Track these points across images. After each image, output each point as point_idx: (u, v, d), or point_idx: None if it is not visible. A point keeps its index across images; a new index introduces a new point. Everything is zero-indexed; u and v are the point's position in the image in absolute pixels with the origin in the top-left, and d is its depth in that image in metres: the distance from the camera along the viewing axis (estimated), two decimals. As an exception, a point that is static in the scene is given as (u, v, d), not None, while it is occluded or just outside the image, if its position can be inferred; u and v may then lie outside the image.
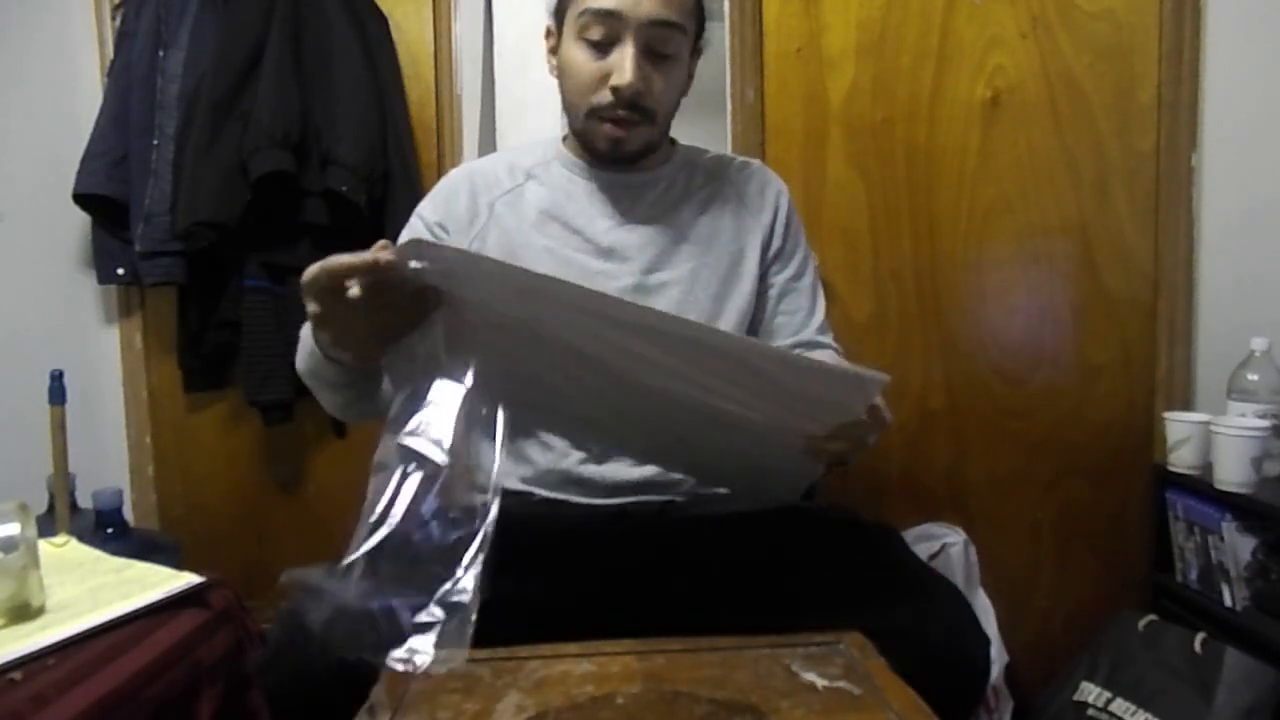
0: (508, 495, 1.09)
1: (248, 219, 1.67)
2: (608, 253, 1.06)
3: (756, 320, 1.11)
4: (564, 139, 1.14)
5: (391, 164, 1.77)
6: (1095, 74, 1.76)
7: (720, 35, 1.81)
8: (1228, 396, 1.60)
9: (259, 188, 1.64)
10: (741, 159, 1.18)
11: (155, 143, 1.72)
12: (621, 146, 1.04)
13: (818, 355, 1.03)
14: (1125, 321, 1.80)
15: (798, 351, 1.00)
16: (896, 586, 0.88)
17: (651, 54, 1.00)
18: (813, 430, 0.81)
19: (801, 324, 1.11)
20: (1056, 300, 1.80)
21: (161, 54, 1.74)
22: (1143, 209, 1.78)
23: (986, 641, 0.88)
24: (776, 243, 1.12)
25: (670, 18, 0.98)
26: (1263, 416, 1.54)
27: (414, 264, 0.69)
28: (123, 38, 1.78)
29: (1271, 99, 1.74)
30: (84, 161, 1.74)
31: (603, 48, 0.99)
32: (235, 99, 1.67)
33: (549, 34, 1.08)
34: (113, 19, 1.84)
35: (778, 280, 1.12)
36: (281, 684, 0.83)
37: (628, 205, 1.09)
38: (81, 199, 1.74)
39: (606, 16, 0.97)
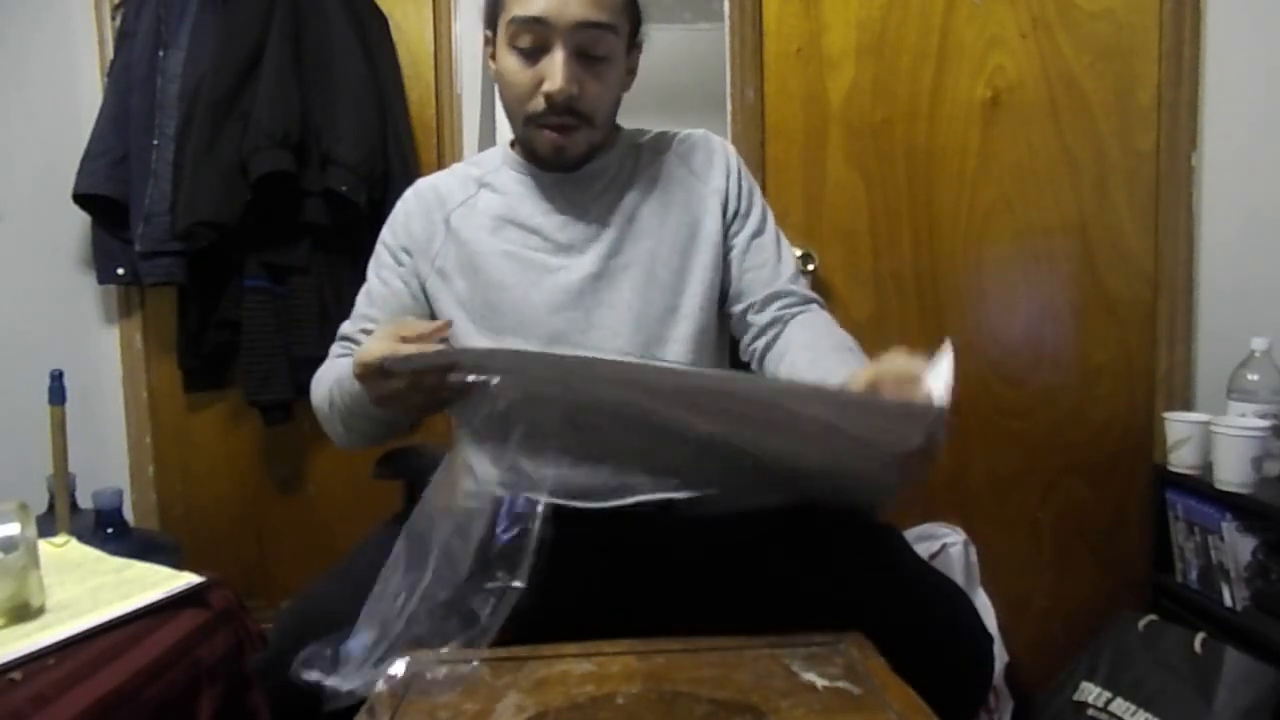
0: None
1: (248, 219, 1.67)
2: (566, 248, 1.07)
3: (726, 284, 1.10)
4: (512, 144, 1.14)
5: (391, 164, 1.77)
6: (1095, 74, 1.76)
7: (720, 35, 1.81)
8: (1228, 396, 1.60)
9: (259, 188, 1.64)
10: (684, 132, 1.16)
11: (155, 143, 1.72)
12: (564, 154, 1.04)
13: (808, 327, 1.04)
14: (1125, 321, 1.80)
15: (834, 385, 0.97)
16: (900, 586, 0.88)
17: (584, 57, 0.99)
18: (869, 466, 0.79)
19: (771, 276, 1.09)
20: (1056, 300, 1.80)
21: (161, 54, 1.74)
22: (1143, 209, 1.78)
23: (990, 641, 0.88)
24: (733, 204, 1.11)
25: (598, 19, 0.98)
26: (1263, 416, 1.54)
27: (468, 378, 0.75)
28: (123, 38, 1.78)
29: (1271, 99, 1.74)
30: (84, 161, 1.73)
31: (533, 55, 0.99)
32: (235, 99, 1.67)
33: (486, 41, 1.08)
34: (113, 19, 1.84)
35: (739, 239, 1.10)
36: (283, 686, 0.83)
37: (577, 198, 1.09)
38: (81, 199, 1.74)
39: (534, 23, 0.97)
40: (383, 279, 1.12)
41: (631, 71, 1.09)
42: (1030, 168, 1.78)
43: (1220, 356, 1.70)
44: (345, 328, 1.12)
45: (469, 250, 1.07)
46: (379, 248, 1.13)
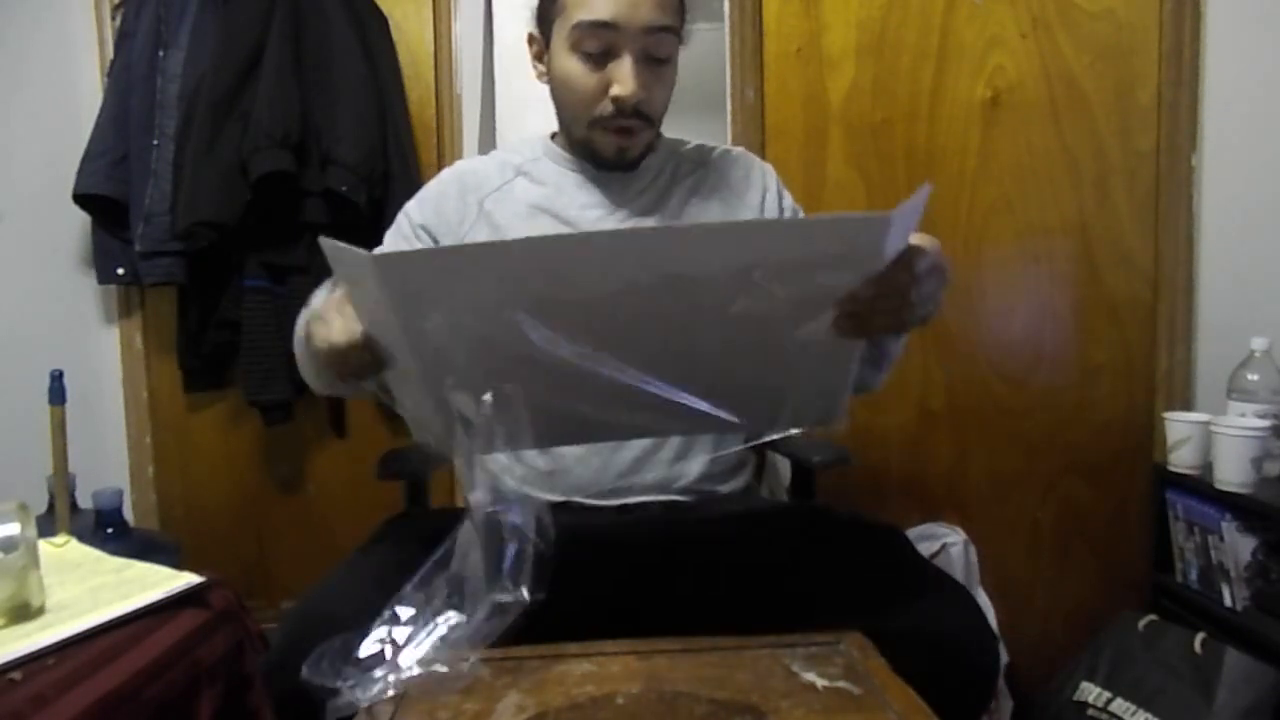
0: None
1: (248, 219, 1.67)
2: None
3: None
4: (552, 136, 1.14)
5: (391, 164, 1.77)
6: (1095, 74, 1.76)
7: (720, 35, 1.81)
8: (1228, 396, 1.60)
9: (259, 188, 1.64)
10: (723, 147, 1.17)
11: (155, 143, 1.72)
12: (626, 154, 1.05)
13: None
14: (1125, 321, 1.80)
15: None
16: (904, 587, 0.88)
17: (649, 59, 1.00)
18: (841, 300, 0.73)
19: None
20: (1056, 300, 1.80)
21: (161, 54, 1.74)
22: (1143, 209, 1.78)
23: (995, 640, 0.88)
24: (769, 215, 1.11)
25: (665, 22, 0.98)
26: (1263, 416, 1.54)
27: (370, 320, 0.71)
28: (123, 38, 1.78)
29: (1271, 99, 1.74)
30: (84, 161, 1.73)
31: (599, 59, 0.99)
32: (235, 99, 1.67)
33: (532, 41, 1.08)
34: (113, 19, 1.84)
35: None
36: (288, 689, 0.83)
37: (617, 195, 1.09)
38: (81, 199, 1.74)
39: (602, 28, 0.97)
40: (395, 245, 1.11)
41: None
42: (1030, 168, 1.78)
43: (1220, 356, 1.70)
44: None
45: (499, 234, 1.07)
46: (400, 217, 1.13)
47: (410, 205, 1.13)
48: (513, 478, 1.07)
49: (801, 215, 1.15)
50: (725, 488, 1.09)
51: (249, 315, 1.73)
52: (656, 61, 1.00)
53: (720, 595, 0.91)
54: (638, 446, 1.04)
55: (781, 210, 1.13)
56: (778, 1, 1.77)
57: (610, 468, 1.03)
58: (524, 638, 0.81)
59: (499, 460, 1.08)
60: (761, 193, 1.12)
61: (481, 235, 1.07)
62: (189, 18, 1.74)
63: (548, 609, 0.88)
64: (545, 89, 1.09)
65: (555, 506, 1.03)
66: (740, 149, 1.18)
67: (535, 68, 1.09)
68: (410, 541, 0.96)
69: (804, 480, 1.33)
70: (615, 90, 0.98)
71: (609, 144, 1.03)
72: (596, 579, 0.91)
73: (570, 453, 1.04)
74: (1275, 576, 1.51)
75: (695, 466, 1.06)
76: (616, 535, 0.98)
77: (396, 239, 1.12)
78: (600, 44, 0.98)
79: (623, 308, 0.71)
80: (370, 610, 0.83)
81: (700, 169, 1.13)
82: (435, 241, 1.09)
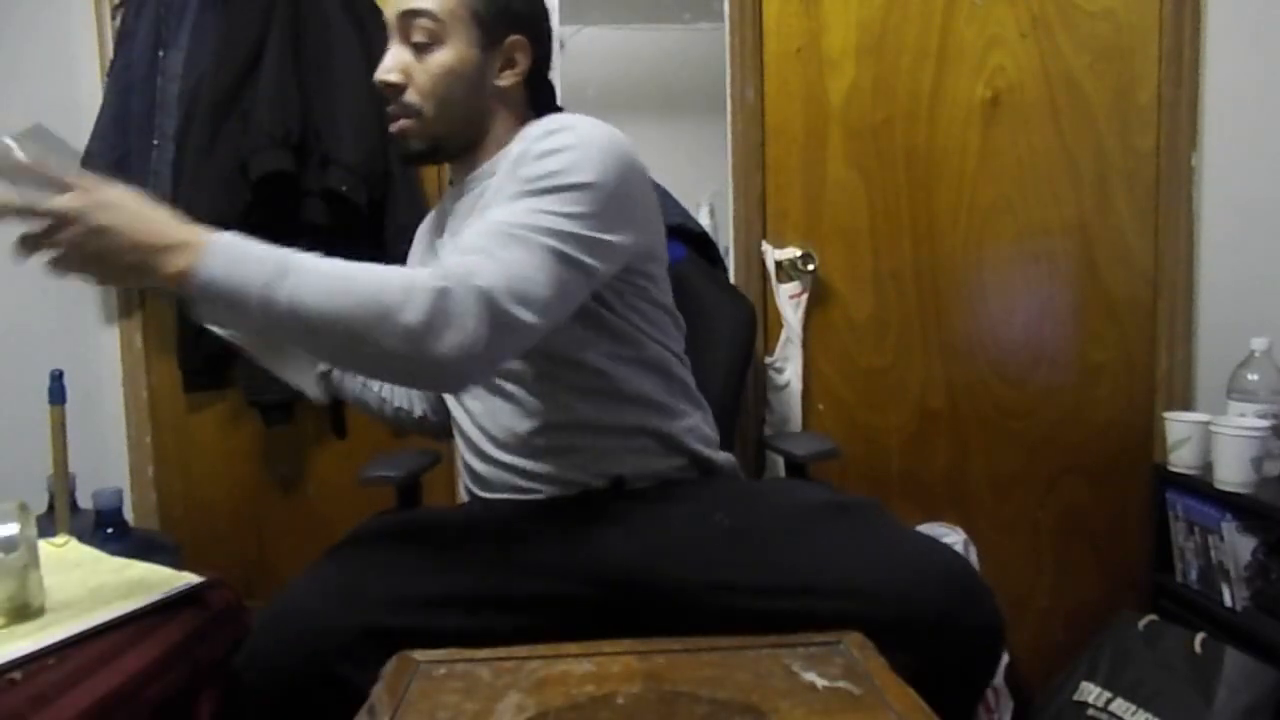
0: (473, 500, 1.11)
1: (248, 219, 1.67)
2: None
3: None
4: None
5: (392, 164, 1.77)
6: (1095, 74, 1.76)
7: (720, 35, 1.81)
8: (1228, 396, 1.60)
9: (259, 188, 1.64)
10: (546, 120, 1.01)
11: (155, 143, 1.72)
12: (404, 145, 1.05)
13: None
14: (1125, 321, 1.80)
15: None
16: (892, 555, 0.86)
17: (411, 45, 1.01)
18: None
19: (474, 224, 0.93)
20: (1056, 300, 1.80)
21: (161, 54, 1.74)
22: (1143, 209, 1.78)
23: (991, 594, 0.86)
24: (499, 181, 0.97)
25: (417, 5, 0.99)
26: (1263, 416, 1.54)
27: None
28: (123, 38, 1.78)
29: (1271, 99, 1.74)
30: (84, 161, 1.73)
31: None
32: (235, 99, 1.67)
33: None
34: (113, 19, 1.84)
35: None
36: (259, 679, 0.84)
37: (460, 206, 1.10)
38: (81, 199, 1.74)
39: (389, 17, 1.02)
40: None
41: (510, 65, 1.03)
42: (1030, 168, 1.78)
43: (1220, 356, 1.70)
44: None
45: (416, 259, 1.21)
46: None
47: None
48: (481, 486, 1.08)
49: (539, 169, 0.90)
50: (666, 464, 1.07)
51: (249, 315, 1.73)
52: (418, 47, 1.00)
53: (717, 576, 0.89)
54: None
55: (515, 169, 0.94)
56: (778, 1, 1.77)
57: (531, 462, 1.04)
58: (524, 637, 0.81)
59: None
60: (514, 158, 0.96)
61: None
62: (189, 17, 1.74)
63: (518, 603, 0.90)
64: None
65: (517, 501, 1.04)
66: (553, 117, 1.00)
67: None
68: (382, 540, 0.97)
69: (799, 477, 1.35)
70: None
71: (392, 136, 1.05)
72: (555, 572, 0.92)
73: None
74: (1275, 576, 1.51)
75: None
76: (574, 517, 0.98)
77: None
78: (391, 34, 1.02)
79: None
80: (337, 608, 0.84)
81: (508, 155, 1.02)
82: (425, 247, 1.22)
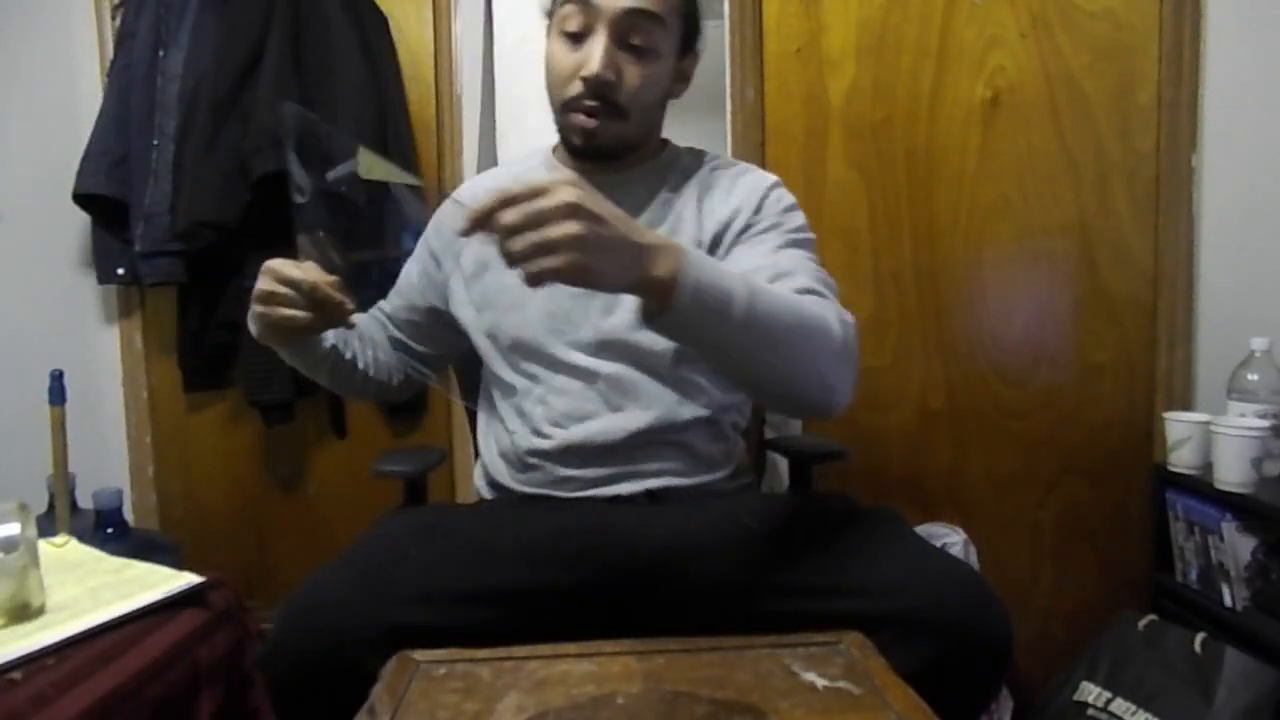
0: (502, 494, 1.10)
1: (248, 219, 1.67)
2: None
3: None
4: (554, 148, 1.15)
5: (391, 164, 1.77)
6: (1095, 74, 1.76)
7: (720, 35, 1.81)
8: (1228, 396, 1.60)
9: (259, 188, 1.64)
10: (726, 159, 1.15)
11: (155, 143, 1.72)
12: (593, 139, 1.02)
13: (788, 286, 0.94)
14: (1125, 321, 1.80)
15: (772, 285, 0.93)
16: (908, 567, 0.86)
17: (626, 46, 0.99)
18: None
19: (768, 252, 1.01)
20: (1056, 300, 1.80)
21: (161, 54, 1.74)
22: (1143, 209, 1.78)
23: (1005, 610, 0.85)
24: (740, 223, 1.04)
25: (645, 7, 0.98)
26: (1263, 416, 1.54)
27: None
28: (123, 38, 1.78)
29: (1271, 99, 1.74)
30: (84, 161, 1.74)
31: (578, 39, 0.99)
32: (235, 99, 1.67)
33: (548, 31, 1.08)
34: (113, 19, 1.84)
35: (741, 242, 1.05)
36: (284, 673, 0.84)
37: None
38: (81, 199, 1.74)
39: (582, 6, 0.98)
40: (407, 270, 1.20)
41: (684, 79, 1.09)
42: (1030, 168, 1.78)
43: (1220, 356, 1.70)
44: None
45: (486, 250, 1.07)
46: (420, 241, 1.20)
47: (428, 228, 1.19)
48: (504, 475, 1.08)
49: (795, 222, 1.05)
50: (714, 477, 1.08)
51: (249, 316, 1.73)
52: (635, 50, 0.99)
53: (712, 582, 0.90)
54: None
55: (760, 215, 1.05)
56: (778, 1, 1.77)
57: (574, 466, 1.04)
58: (524, 637, 0.81)
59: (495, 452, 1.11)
60: (740, 204, 1.06)
61: (468, 250, 1.11)
62: (189, 18, 1.74)
63: (548, 599, 0.89)
64: (544, 90, 1.10)
65: (544, 500, 1.04)
66: (744, 164, 1.14)
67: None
68: (400, 534, 0.97)
69: (802, 477, 1.35)
70: (583, 70, 0.98)
71: (576, 127, 1.02)
72: (588, 568, 0.92)
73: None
74: (1275, 576, 1.51)
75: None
76: (605, 521, 0.98)
77: (412, 258, 1.20)
78: (580, 23, 0.98)
79: None
80: (365, 603, 0.84)
81: (687, 178, 1.10)
82: (436, 259, 1.16)
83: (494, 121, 1.99)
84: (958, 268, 1.80)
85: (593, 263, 0.69)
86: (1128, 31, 1.75)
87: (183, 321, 1.85)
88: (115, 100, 1.76)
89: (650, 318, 0.78)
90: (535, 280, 0.69)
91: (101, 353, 1.92)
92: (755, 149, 1.79)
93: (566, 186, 0.69)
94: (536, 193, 0.68)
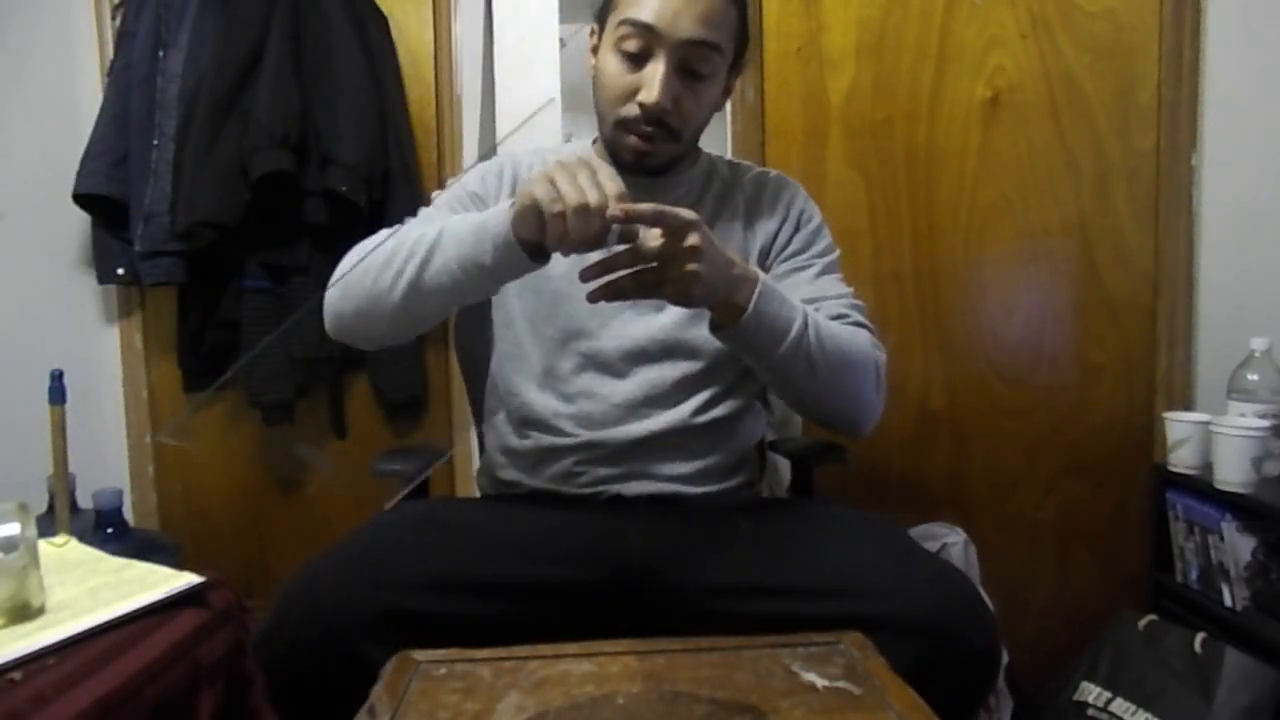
0: (512, 489, 1.10)
1: (248, 219, 1.67)
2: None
3: None
4: (594, 141, 1.16)
5: (391, 164, 1.77)
6: (1095, 74, 1.76)
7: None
8: (1228, 396, 1.60)
9: (259, 188, 1.64)
10: (760, 169, 1.19)
11: (155, 143, 1.72)
12: (645, 161, 1.05)
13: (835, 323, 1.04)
14: (1125, 321, 1.80)
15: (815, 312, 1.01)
16: (903, 574, 0.87)
17: (685, 72, 1.00)
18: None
19: (807, 282, 1.11)
20: (1056, 300, 1.80)
21: (161, 54, 1.74)
22: (1143, 209, 1.78)
23: (994, 621, 0.87)
24: (782, 240, 1.13)
25: (707, 38, 0.98)
26: (1263, 416, 1.54)
27: None
28: (123, 38, 1.78)
29: (1271, 99, 1.74)
30: (84, 161, 1.73)
31: (637, 60, 1.00)
32: (235, 99, 1.67)
33: (592, 33, 1.09)
34: (113, 19, 1.84)
35: (783, 268, 1.12)
36: (280, 655, 0.84)
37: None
38: (81, 199, 1.74)
39: (644, 30, 0.97)
40: (451, 206, 1.09)
41: (728, 92, 1.11)
42: (1030, 168, 1.78)
43: (1220, 356, 1.70)
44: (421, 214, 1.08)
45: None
46: (455, 187, 1.11)
47: (468, 176, 1.13)
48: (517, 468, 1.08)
49: (824, 242, 1.16)
50: (720, 486, 1.09)
51: (249, 316, 1.73)
52: (694, 76, 1.00)
53: (726, 586, 0.90)
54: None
55: (797, 232, 1.14)
56: (778, 1, 1.77)
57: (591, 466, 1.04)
58: (521, 630, 0.81)
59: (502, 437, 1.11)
60: (780, 221, 1.13)
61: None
62: (189, 18, 1.74)
63: (546, 593, 0.90)
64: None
65: (547, 496, 1.05)
66: (777, 172, 1.19)
67: (589, 59, 1.10)
68: (398, 526, 0.97)
69: (803, 479, 1.35)
70: (642, 95, 0.99)
71: (629, 147, 1.04)
72: (586, 564, 0.92)
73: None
74: (1275, 576, 1.51)
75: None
76: (608, 521, 0.98)
77: (450, 200, 1.10)
78: (639, 45, 0.99)
79: None
80: (361, 587, 0.85)
81: (730, 189, 1.14)
82: (482, 207, 1.07)
83: (494, 121, 1.99)
84: (958, 268, 1.80)
85: (694, 292, 0.82)
86: (1128, 31, 1.75)
87: (183, 321, 1.84)
88: (115, 100, 1.75)
89: (715, 329, 0.91)
90: (614, 297, 0.81)
91: (101, 353, 1.92)
92: (755, 149, 1.79)
93: (697, 232, 0.80)
94: (678, 226, 0.79)
